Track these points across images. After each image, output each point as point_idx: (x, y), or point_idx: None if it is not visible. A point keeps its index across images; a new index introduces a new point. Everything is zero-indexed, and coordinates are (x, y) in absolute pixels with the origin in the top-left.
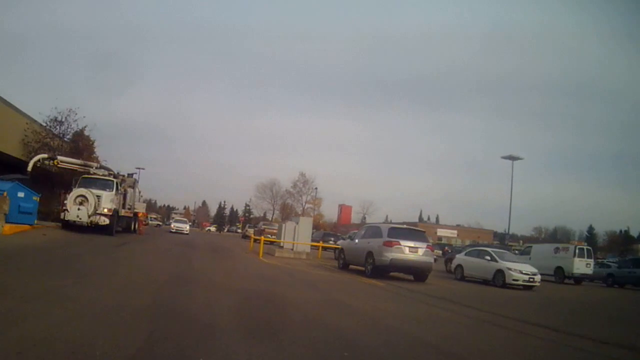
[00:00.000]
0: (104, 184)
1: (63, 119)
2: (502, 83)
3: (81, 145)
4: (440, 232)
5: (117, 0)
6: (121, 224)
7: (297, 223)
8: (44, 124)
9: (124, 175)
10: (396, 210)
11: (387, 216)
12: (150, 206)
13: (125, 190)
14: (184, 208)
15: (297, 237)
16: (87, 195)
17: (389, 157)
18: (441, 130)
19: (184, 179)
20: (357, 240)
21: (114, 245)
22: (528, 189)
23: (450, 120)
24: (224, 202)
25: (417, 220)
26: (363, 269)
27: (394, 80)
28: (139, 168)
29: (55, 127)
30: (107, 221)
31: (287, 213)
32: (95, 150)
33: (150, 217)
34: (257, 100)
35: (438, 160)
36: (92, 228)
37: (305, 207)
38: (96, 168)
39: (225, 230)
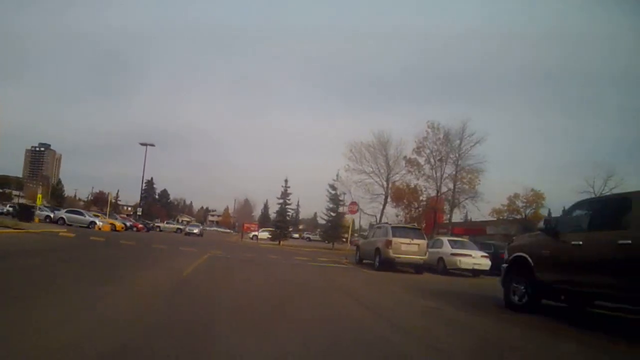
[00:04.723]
0: None
1: None
2: None
3: None
4: None
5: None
6: None
7: None
8: None
9: None
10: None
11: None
12: (185, 208)
13: None
14: (226, 209)
15: None
16: None
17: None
18: None
19: (227, 179)
20: None
21: None
22: None
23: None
24: (286, 182)
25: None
26: None
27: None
28: (144, 144)
29: None
30: None
31: (400, 196)
32: None
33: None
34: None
35: None
36: None
37: (444, 185)
38: None
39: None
